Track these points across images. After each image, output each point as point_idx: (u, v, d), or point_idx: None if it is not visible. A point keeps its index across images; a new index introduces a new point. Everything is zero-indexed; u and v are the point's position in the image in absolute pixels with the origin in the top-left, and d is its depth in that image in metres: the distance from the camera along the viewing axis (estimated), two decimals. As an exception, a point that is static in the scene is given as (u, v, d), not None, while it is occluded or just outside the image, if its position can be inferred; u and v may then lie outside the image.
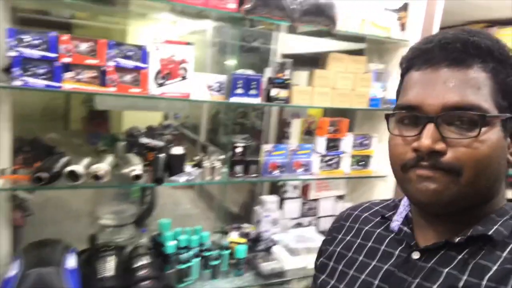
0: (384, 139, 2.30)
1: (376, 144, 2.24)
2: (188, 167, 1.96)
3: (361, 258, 0.69)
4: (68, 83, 1.56)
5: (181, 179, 1.82)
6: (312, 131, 3.11)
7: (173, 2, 1.67)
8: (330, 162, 2.13)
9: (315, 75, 2.06)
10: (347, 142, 2.14)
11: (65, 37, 1.52)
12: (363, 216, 0.76)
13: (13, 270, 1.53)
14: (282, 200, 2.24)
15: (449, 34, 0.58)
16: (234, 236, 2.06)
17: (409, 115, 0.60)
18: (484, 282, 0.54)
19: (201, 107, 4.58)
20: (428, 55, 0.59)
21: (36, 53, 1.48)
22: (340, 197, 2.40)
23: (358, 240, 0.72)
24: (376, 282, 0.64)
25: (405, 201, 0.72)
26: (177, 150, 1.87)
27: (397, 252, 0.65)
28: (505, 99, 0.57)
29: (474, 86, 0.55)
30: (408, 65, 0.62)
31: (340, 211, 0.82)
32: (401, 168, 0.60)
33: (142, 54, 1.69)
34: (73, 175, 1.60)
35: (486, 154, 0.55)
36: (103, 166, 1.67)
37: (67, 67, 1.55)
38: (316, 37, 2.63)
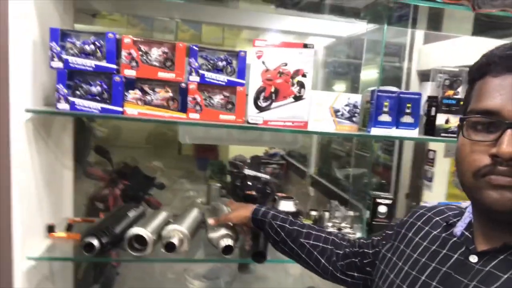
0: None
1: None
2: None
3: (423, 260, 0.69)
4: (133, 107, 1.07)
5: (292, 253, 1.18)
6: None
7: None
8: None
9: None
10: None
11: (128, 39, 1.04)
12: (434, 220, 0.75)
13: None
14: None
15: None
16: None
17: (486, 120, 0.58)
18: None
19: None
20: (507, 62, 0.57)
21: (89, 63, 1.03)
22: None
23: (425, 243, 0.71)
24: (434, 283, 0.64)
25: (470, 208, 0.70)
26: (287, 205, 1.25)
27: (456, 255, 0.65)
28: None
29: None
30: (484, 71, 0.61)
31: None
32: (473, 175, 0.59)
33: (238, 64, 1.14)
34: (139, 241, 1.09)
35: None
36: (179, 230, 1.13)
37: (131, 84, 1.06)
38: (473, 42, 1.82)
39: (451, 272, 0.63)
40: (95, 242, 1.02)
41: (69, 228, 1.21)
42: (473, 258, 0.62)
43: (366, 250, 0.86)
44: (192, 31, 3.55)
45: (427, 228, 0.74)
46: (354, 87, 3.53)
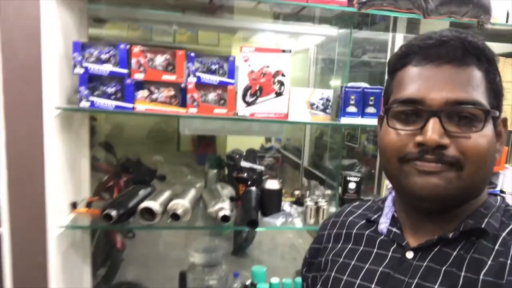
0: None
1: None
2: (286, 205, 1.56)
3: (353, 262, 0.66)
4: (142, 104, 1.30)
5: (277, 221, 1.43)
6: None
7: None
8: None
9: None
10: (507, 178, 1.52)
11: (137, 48, 1.27)
12: (348, 221, 0.73)
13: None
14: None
15: (448, 32, 0.59)
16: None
17: (410, 109, 0.59)
18: (481, 277, 0.54)
19: (303, 128, 4.20)
20: (428, 52, 0.58)
21: (104, 69, 1.25)
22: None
23: (349, 245, 0.69)
24: (373, 285, 0.62)
25: (388, 202, 0.70)
26: (272, 184, 1.49)
27: (390, 254, 0.63)
28: (495, 98, 0.59)
29: (474, 84, 0.56)
30: (404, 61, 0.61)
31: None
32: (398, 160, 0.59)
33: (228, 67, 1.37)
34: (149, 213, 1.33)
35: (486, 148, 0.56)
36: (183, 203, 1.36)
37: (140, 85, 1.29)
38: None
39: (390, 272, 0.61)
40: (113, 213, 1.25)
41: (88, 205, 1.45)
42: (410, 254, 0.61)
43: None
44: (189, 33, 3.78)
45: (344, 230, 0.72)
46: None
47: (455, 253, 0.57)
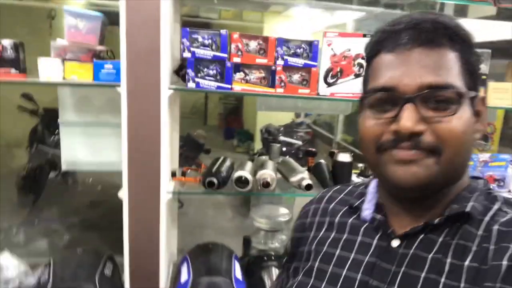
0: None
1: None
2: (353, 176, 1.73)
3: (337, 252, 0.64)
4: (238, 85, 1.46)
5: (351, 191, 1.59)
6: (487, 135, 2.59)
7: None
8: (532, 178, 1.68)
9: (517, 68, 1.63)
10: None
11: (236, 35, 1.41)
12: (330, 208, 0.72)
13: (183, 276, 1.50)
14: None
15: (417, 15, 0.58)
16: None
17: (385, 96, 0.57)
18: (466, 264, 0.53)
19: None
20: (398, 37, 0.57)
21: (208, 53, 1.41)
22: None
23: (333, 234, 0.67)
24: (359, 276, 0.60)
25: (372, 188, 0.69)
26: (344, 157, 1.65)
27: (375, 242, 0.62)
28: (471, 78, 0.58)
29: (446, 66, 0.55)
30: (377, 48, 0.60)
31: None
32: (376, 150, 0.58)
33: (312, 50, 1.51)
34: (242, 181, 1.50)
35: (463, 130, 0.55)
36: (269, 173, 1.54)
37: (237, 67, 1.45)
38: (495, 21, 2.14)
39: (376, 261, 0.60)
40: (215, 180, 1.44)
41: (183, 174, 1.63)
42: (395, 242, 0.60)
43: None
44: (233, 10, 3.89)
45: (328, 218, 0.71)
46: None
47: (440, 239, 0.57)
